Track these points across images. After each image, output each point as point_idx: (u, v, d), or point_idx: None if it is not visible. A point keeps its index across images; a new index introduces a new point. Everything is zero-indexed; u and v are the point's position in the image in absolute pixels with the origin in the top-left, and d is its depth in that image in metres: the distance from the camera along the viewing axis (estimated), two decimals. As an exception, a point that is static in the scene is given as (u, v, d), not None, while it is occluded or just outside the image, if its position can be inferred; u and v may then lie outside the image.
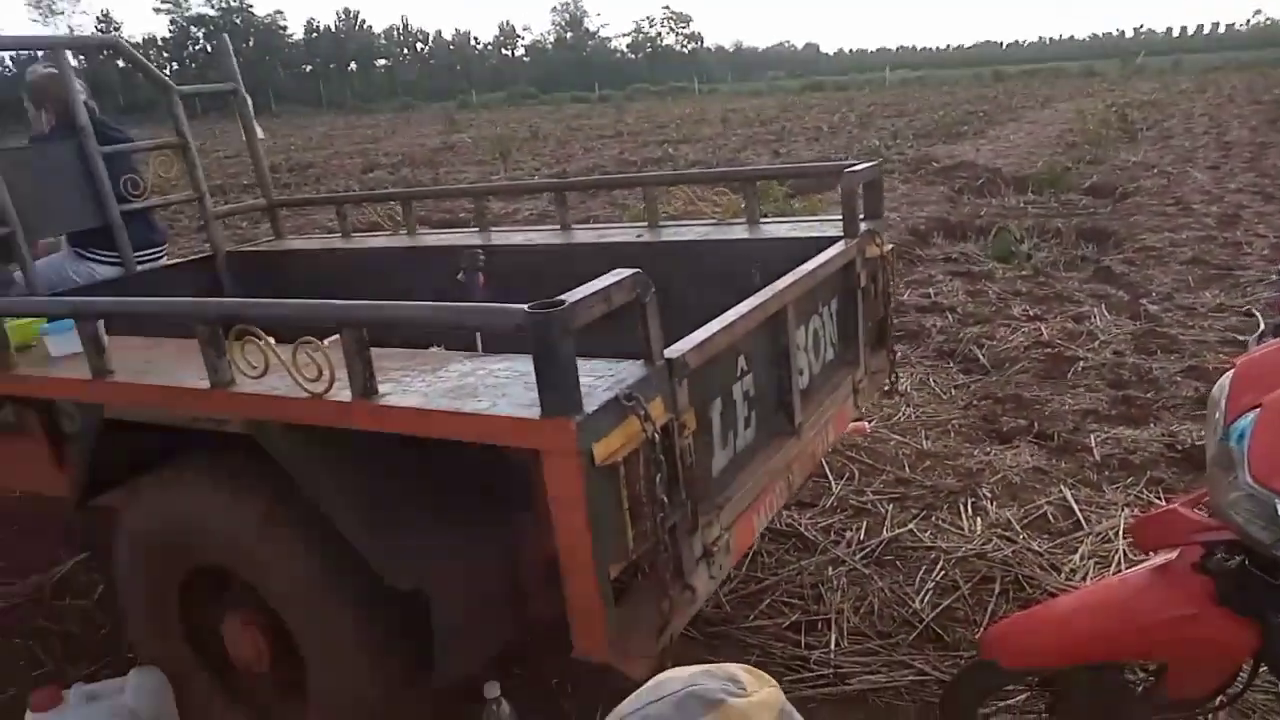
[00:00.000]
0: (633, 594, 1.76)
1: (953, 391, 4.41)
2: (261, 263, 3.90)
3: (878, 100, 27.99)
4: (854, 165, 2.58)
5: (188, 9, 70.38)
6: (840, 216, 2.62)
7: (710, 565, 1.84)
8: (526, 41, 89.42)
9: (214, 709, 2.27)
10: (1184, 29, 76.73)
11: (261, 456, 1.86)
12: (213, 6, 70.92)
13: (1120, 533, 2.97)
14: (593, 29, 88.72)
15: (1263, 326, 1.82)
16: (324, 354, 1.64)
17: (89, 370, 2.03)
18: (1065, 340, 4.92)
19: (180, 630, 2.26)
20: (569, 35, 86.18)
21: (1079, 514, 3.14)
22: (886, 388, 2.88)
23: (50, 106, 3.58)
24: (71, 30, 60.61)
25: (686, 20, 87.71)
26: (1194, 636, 1.62)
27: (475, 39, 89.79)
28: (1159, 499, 3.21)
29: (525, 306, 1.39)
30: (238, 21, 69.51)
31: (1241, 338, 4.52)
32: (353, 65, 77.99)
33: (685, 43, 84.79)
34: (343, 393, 1.66)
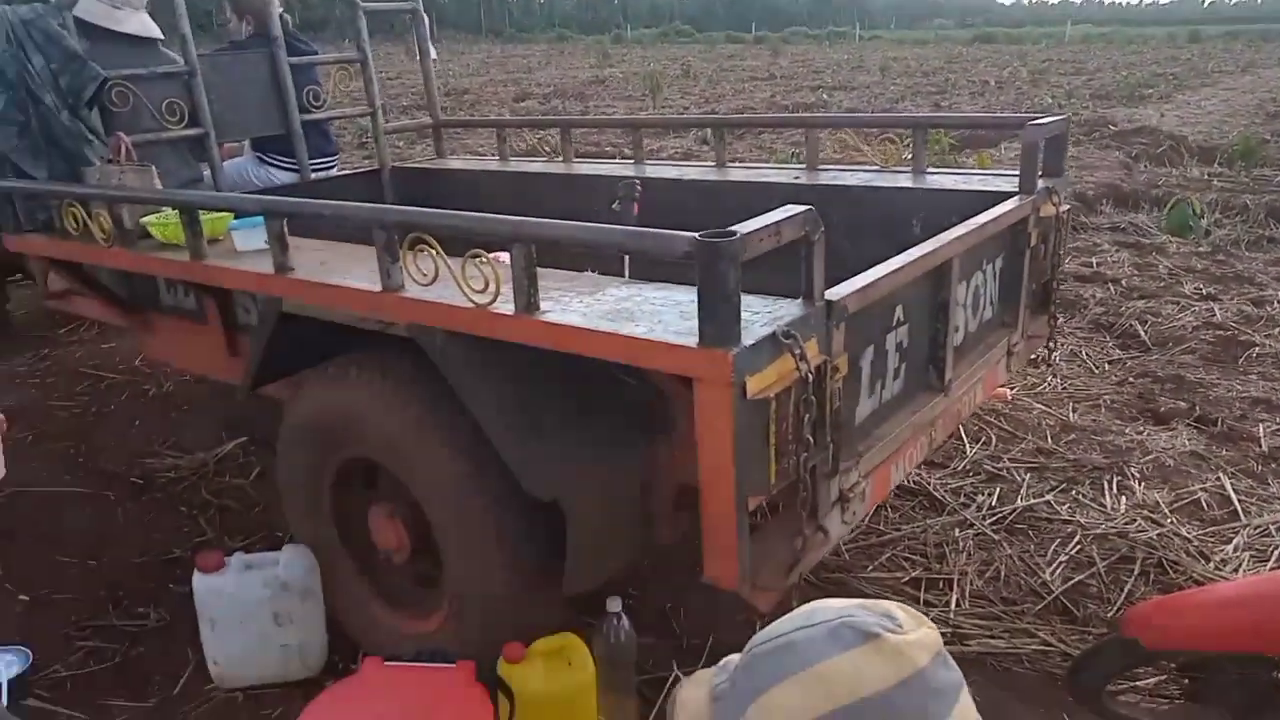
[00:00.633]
0: (767, 529, 1.78)
1: (1106, 366, 4.19)
2: (423, 179, 4.03)
3: (1054, 56, 26.25)
4: (1039, 117, 2.45)
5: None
6: (1016, 172, 2.50)
7: (845, 510, 1.84)
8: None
9: (355, 591, 2.42)
10: None
11: (421, 360, 1.95)
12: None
13: (1282, 529, 2.79)
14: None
15: None
16: (492, 267, 1.70)
17: (272, 265, 2.17)
18: (1240, 323, 4.57)
19: (330, 515, 2.40)
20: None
21: (1237, 504, 2.95)
22: (1042, 354, 2.76)
23: (249, 16, 3.78)
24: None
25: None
26: None
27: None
28: (1330, 501, 2.98)
29: (695, 234, 1.39)
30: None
31: None
32: (513, -6, 78.60)
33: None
34: (506, 306, 1.72)
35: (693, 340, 1.49)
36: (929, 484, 3.15)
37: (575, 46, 42.06)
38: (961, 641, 2.41)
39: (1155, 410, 3.70)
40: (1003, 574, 2.68)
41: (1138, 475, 3.16)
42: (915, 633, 0.85)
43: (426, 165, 4.19)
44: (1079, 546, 2.77)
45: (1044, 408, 3.72)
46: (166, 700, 2.36)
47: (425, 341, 1.91)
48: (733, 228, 1.41)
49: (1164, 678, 2.18)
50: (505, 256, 1.73)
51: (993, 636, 2.42)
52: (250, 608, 2.27)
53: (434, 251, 1.78)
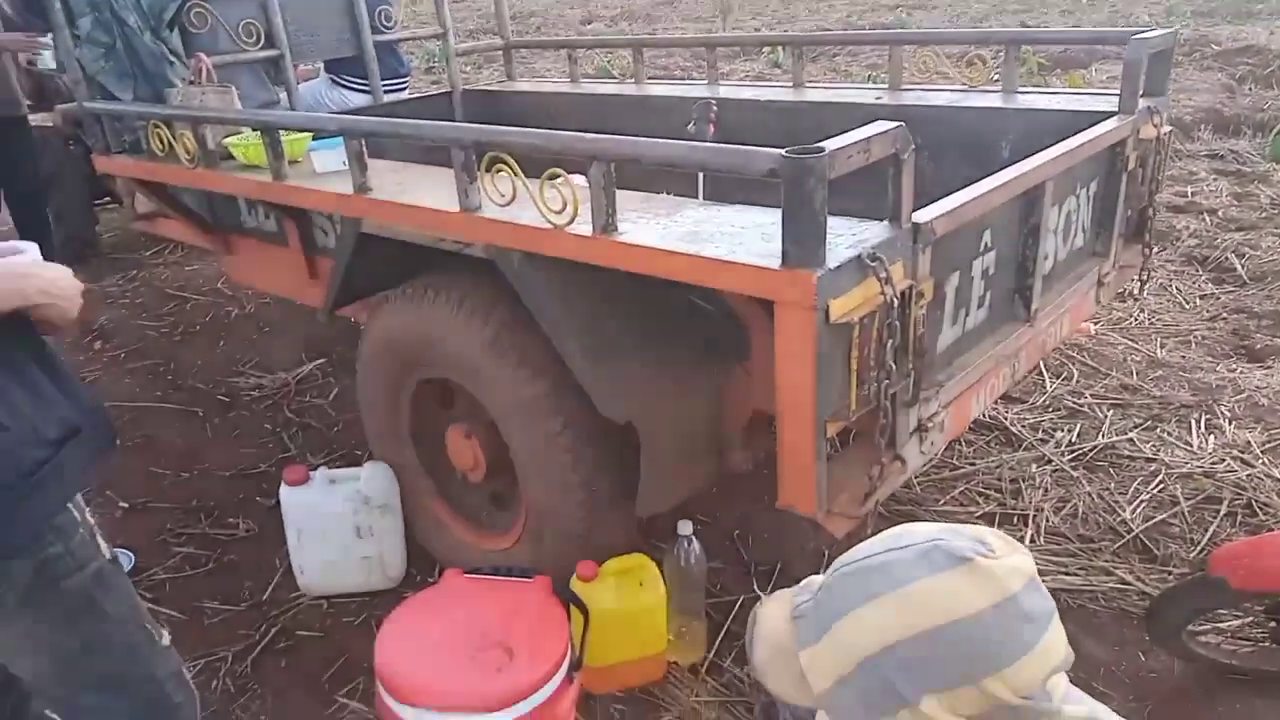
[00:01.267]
0: (844, 456, 1.76)
1: (1198, 301, 4.01)
2: (494, 102, 4.00)
3: (1152, -31, 24.63)
4: (1144, 32, 2.30)
5: None
6: (1112, 92, 2.37)
7: (923, 440, 1.81)
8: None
9: (432, 508, 2.48)
10: None
11: (498, 281, 1.95)
12: None
13: (1383, 474, 2.67)
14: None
15: None
16: (571, 188, 1.68)
17: (351, 186, 2.18)
18: (1348, 259, 4.32)
19: (409, 434, 2.45)
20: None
21: (1337, 447, 2.83)
22: (1132, 287, 2.65)
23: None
24: None
25: None
26: None
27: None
28: None
29: (781, 151, 1.35)
30: None
31: None
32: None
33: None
34: (583, 227, 1.71)
35: (775, 261, 1.46)
36: (1005, 419, 3.08)
37: (644, -33, 40.92)
38: (1036, 576, 2.38)
39: (1250, 347, 3.55)
40: (1080, 511, 2.63)
41: (1228, 414, 3.04)
42: (1009, 558, 0.84)
43: (497, 88, 4.15)
44: (1161, 485, 2.70)
45: (1130, 343, 3.59)
46: (256, 605, 2.48)
47: (502, 262, 1.91)
48: (820, 144, 1.37)
49: (1248, 620, 2.13)
50: (581, 180, 1.71)
51: (1068, 574, 2.39)
52: (333, 520, 2.36)
53: (511, 171, 1.77)
